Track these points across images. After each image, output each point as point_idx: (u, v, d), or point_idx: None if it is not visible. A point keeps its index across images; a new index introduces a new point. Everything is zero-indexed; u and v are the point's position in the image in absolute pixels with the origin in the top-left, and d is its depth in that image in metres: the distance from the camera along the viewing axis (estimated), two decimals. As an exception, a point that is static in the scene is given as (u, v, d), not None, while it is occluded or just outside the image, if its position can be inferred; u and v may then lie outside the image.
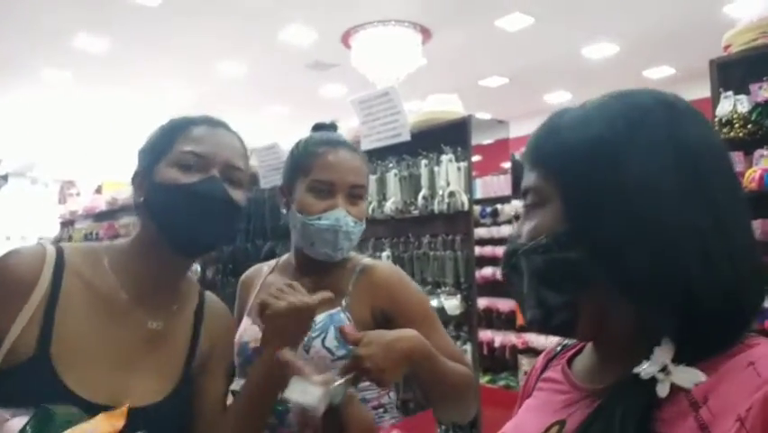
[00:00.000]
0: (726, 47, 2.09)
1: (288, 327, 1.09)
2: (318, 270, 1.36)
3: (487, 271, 4.26)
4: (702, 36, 4.66)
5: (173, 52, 7.26)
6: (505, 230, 4.48)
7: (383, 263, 1.47)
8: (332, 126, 1.51)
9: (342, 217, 1.30)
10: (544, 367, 0.85)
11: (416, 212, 3.11)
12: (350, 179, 1.33)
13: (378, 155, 3.36)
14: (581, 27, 7.00)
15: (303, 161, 1.36)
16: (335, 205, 1.31)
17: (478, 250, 3.33)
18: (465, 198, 2.92)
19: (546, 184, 0.68)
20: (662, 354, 0.60)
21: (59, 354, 0.97)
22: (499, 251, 4.09)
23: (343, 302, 1.34)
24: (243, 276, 1.51)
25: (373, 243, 3.44)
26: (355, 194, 1.34)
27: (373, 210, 3.34)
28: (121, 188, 6.77)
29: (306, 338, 1.25)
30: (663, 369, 0.59)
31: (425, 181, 3.04)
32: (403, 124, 3.13)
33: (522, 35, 7.03)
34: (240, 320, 1.43)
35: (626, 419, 0.59)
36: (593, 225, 0.63)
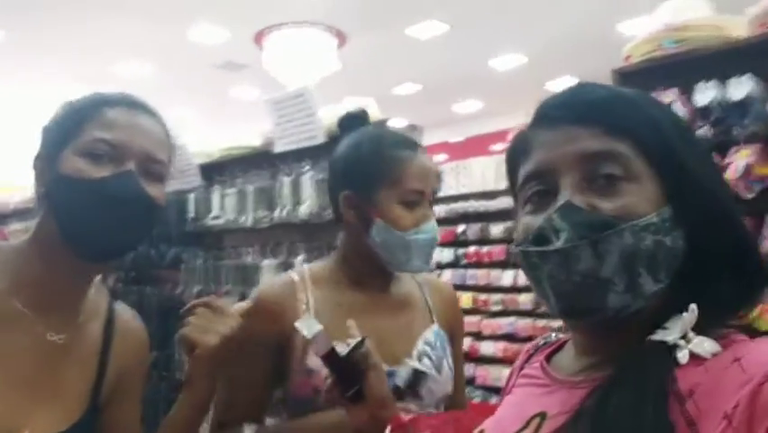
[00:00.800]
0: (627, 57, 2.20)
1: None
2: (380, 283, 1.29)
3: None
4: (599, 49, 4.91)
5: (66, 48, 6.84)
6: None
7: (437, 278, 1.46)
8: (363, 116, 1.42)
9: (436, 228, 1.25)
10: (523, 365, 0.84)
11: (329, 216, 3.06)
12: (434, 186, 1.27)
13: (292, 158, 3.28)
14: (491, 38, 7.22)
15: (385, 168, 1.23)
16: (428, 216, 1.24)
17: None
18: (381, 202, 2.90)
19: (636, 156, 0.63)
20: (687, 321, 0.60)
21: None
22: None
23: (434, 318, 1.30)
24: (262, 300, 1.25)
25: (288, 247, 3.36)
26: (433, 200, 1.27)
27: (288, 214, 3.25)
28: (14, 191, 6.27)
29: (435, 358, 1.23)
30: (683, 337, 0.60)
31: (341, 184, 3.00)
32: (318, 126, 3.07)
33: (434, 43, 7.17)
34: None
35: (649, 383, 0.57)
36: (695, 205, 0.63)
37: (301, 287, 1.25)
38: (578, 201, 0.62)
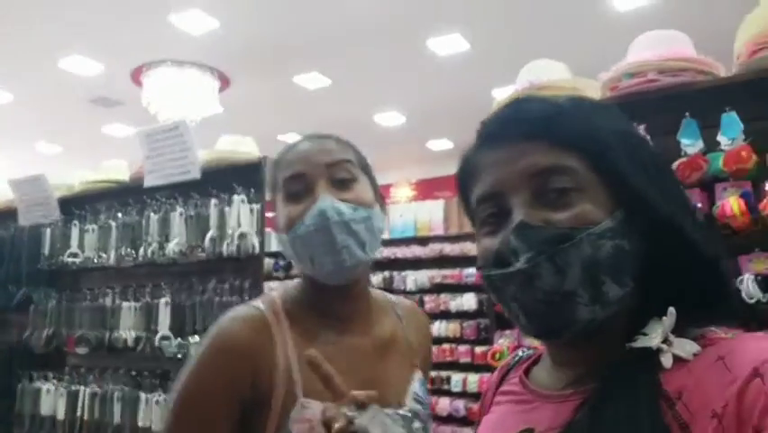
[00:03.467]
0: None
1: None
2: (345, 310, 1.07)
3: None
4: (476, 112, 5.21)
5: None
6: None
7: (413, 306, 1.26)
8: None
9: (326, 208, 1.01)
10: (500, 382, 0.82)
11: (202, 255, 2.92)
12: (324, 160, 1.05)
13: (162, 193, 3.13)
14: (373, 95, 7.45)
15: (273, 174, 1.10)
16: (314, 200, 1.02)
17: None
18: (257, 241, 2.81)
19: (583, 167, 0.63)
20: (666, 325, 0.60)
21: None
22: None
23: (416, 360, 1.13)
24: (226, 342, 0.99)
25: (151, 289, 3.15)
26: (338, 177, 1.05)
27: (153, 253, 3.07)
28: None
29: (424, 415, 1.07)
30: (664, 340, 0.60)
31: (213, 222, 2.88)
32: (193, 161, 2.96)
33: (320, 94, 7.26)
34: (258, 403, 0.97)
35: (640, 391, 0.56)
36: (642, 210, 0.62)
37: (275, 324, 1.02)
38: (531, 219, 0.61)
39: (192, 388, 0.98)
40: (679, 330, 0.60)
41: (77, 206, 3.54)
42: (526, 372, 0.77)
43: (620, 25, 5.17)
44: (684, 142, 1.92)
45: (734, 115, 1.87)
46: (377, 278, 6.29)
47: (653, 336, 0.60)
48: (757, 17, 1.95)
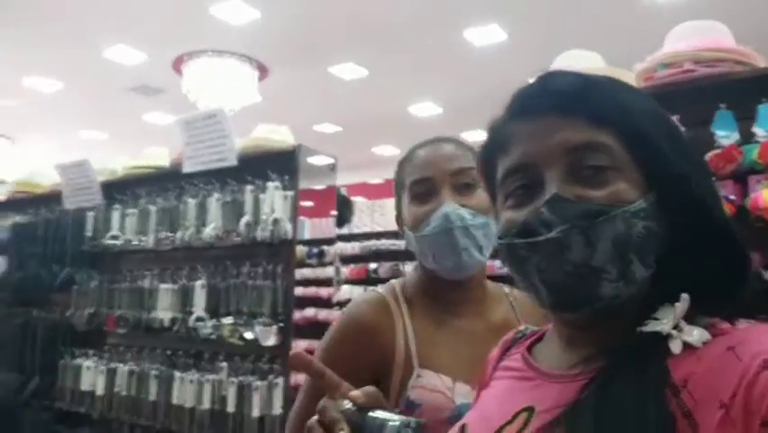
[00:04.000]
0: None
1: None
2: (459, 297, 1.16)
3: (309, 311, 4.21)
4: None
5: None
6: (329, 271, 4.50)
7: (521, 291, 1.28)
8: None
9: (451, 213, 1.10)
10: (501, 357, 0.81)
11: (237, 239, 3.00)
12: (448, 168, 1.13)
13: (200, 179, 3.22)
14: (409, 86, 7.45)
15: (397, 175, 1.19)
16: (440, 204, 1.11)
17: (302, 290, 3.28)
18: (289, 227, 2.87)
19: (618, 146, 0.62)
20: (679, 310, 0.59)
21: None
22: (323, 292, 4.07)
23: None
24: (356, 322, 1.14)
25: (188, 272, 3.25)
26: (461, 183, 1.13)
27: (191, 237, 3.16)
28: None
29: None
30: (675, 326, 0.59)
31: (248, 208, 2.96)
32: (230, 148, 3.04)
33: (355, 85, 7.31)
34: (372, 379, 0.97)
35: (648, 375, 0.56)
36: (674, 191, 0.61)
37: (395, 306, 1.15)
38: (565, 193, 0.60)
39: (324, 358, 1.09)
40: (689, 318, 0.60)
41: (118, 190, 3.66)
42: (529, 349, 0.77)
43: (657, 16, 5.07)
44: (719, 133, 1.90)
45: (771, 106, 1.84)
46: (409, 267, 6.32)
47: (665, 322, 0.59)
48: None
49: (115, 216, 3.59)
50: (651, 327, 0.60)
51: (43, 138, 9.50)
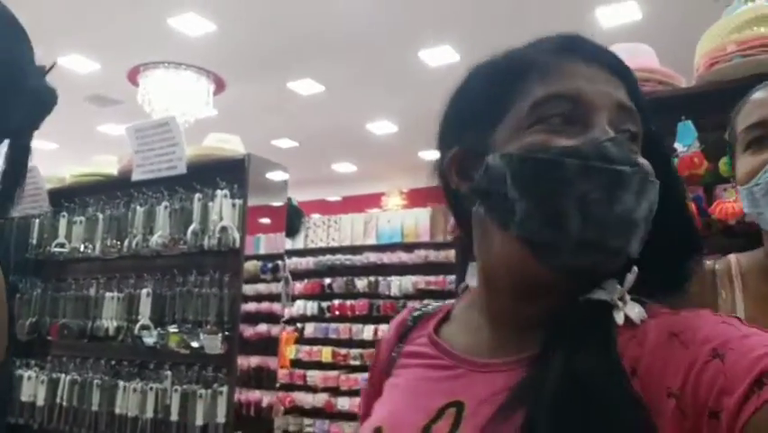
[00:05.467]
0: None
1: None
2: None
3: (262, 327, 4.19)
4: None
5: None
6: (278, 287, 4.48)
7: None
8: None
9: None
10: (398, 340, 0.76)
11: (184, 247, 3.00)
12: None
13: (149, 188, 3.21)
14: (366, 103, 7.56)
15: (732, 127, 1.01)
16: None
17: (254, 306, 3.29)
18: (237, 235, 2.89)
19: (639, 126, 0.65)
20: (628, 282, 0.58)
21: None
22: (277, 307, 4.06)
23: None
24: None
25: (134, 280, 3.22)
26: None
27: (137, 245, 3.15)
28: None
29: None
30: (620, 298, 0.58)
31: (196, 216, 2.96)
32: (180, 156, 3.05)
33: (313, 101, 7.37)
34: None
35: (608, 348, 0.54)
36: (669, 187, 0.63)
37: (726, 287, 1.02)
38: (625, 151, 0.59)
39: None
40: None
41: (66, 198, 3.61)
42: (435, 331, 0.72)
43: (606, 41, 5.30)
44: (681, 141, 2.02)
45: (689, 123, 1.96)
46: (362, 282, 6.36)
47: (611, 290, 0.58)
48: (713, 33, 2.06)
49: (62, 223, 3.54)
50: (598, 294, 0.58)
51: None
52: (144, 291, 3.10)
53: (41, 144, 9.06)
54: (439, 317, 0.74)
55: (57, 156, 9.08)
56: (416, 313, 0.78)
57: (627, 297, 0.58)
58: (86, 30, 5.69)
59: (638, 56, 2.18)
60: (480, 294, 0.68)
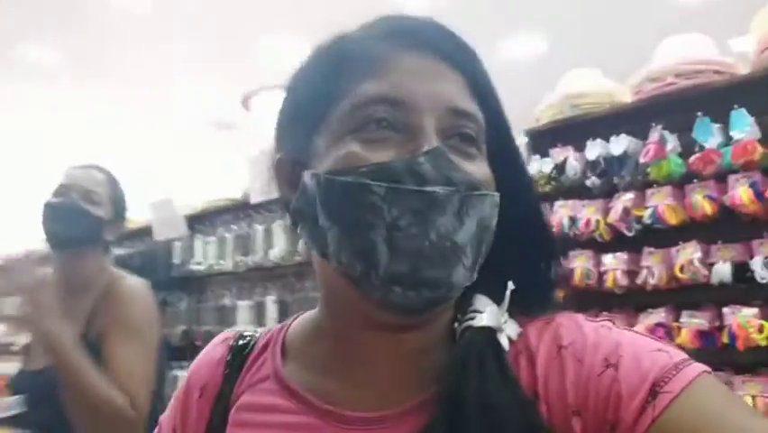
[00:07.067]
0: (537, 120, 2.61)
1: None
2: None
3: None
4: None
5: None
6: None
7: None
8: None
9: None
10: (225, 383, 0.62)
11: (299, 258, 3.43)
12: None
13: (265, 208, 3.68)
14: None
15: None
16: None
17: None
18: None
19: (482, 129, 0.57)
20: (507, 301, 0.54)
21: None
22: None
23: None
24: None
25: (261, 289, 3.71)
26: None
27: (260, 258, 3.62)
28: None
29: None
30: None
31: (306, 231, 3.38)
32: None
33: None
34: None
35: (513, 387, 0.49)
36: (519, 193, 0.59)
37: None
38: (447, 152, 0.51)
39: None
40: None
41: (198, 222, 4.20)
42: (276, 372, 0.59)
43: (684, 20, 5.13)
44: (699, 138, 2.12)
45: (743, 111, 2.05)
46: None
47: (492, 314, 0.53)
48: (765, 18, 2.11)
49: (198, 244, 4.13)
50: (480, 320, 0.53)
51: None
52: (270, 298, 3.57)
53: (168, 169, 10.08)
54: (274, 349, 0.62)
55: (185, 180, 10.08)
56: (239, 343, 0.65)
57: (506, 316, 0.54)
58: (202, 58, 6.35)
59: (693, 48, 2.28)
60: (326, 325, 0.60)
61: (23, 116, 7.29)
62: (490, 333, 0.52)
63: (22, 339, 1.52)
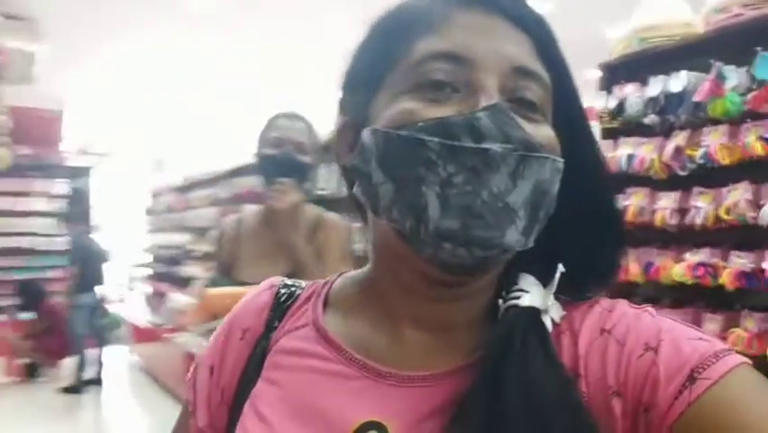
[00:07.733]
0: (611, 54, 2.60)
1: None
2: None
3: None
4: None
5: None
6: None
7: None
8: None
9: None
10: (267, 328, 0.63)
11: None
12: None
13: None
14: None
15: None
16: None
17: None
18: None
19: (548, 93, 0.55)
20: (556, 282, 0.53)
21: None
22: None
23: None
24: None
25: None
26: None
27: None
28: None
29: None
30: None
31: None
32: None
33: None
34: None
35: (556, 366, 0.49)
36: (585, 162, 0.57)
37: None
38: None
39: None
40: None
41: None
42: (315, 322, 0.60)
43: None
44: (759, 74, 2.02)
45: (767, 55, 1.91)
46: None
47: (538, 294, 0.53)
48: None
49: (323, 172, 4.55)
50: (525, 299, 0.53)
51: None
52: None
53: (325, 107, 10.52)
54: (316, 301, 0.63)
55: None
56: (282, 291, 0.66)
57: (552, 298, 0.53)
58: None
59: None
60: (373, 283, 0.60)
61: (185, 61, 7.79)
62: (535, 313, 0.52)
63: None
